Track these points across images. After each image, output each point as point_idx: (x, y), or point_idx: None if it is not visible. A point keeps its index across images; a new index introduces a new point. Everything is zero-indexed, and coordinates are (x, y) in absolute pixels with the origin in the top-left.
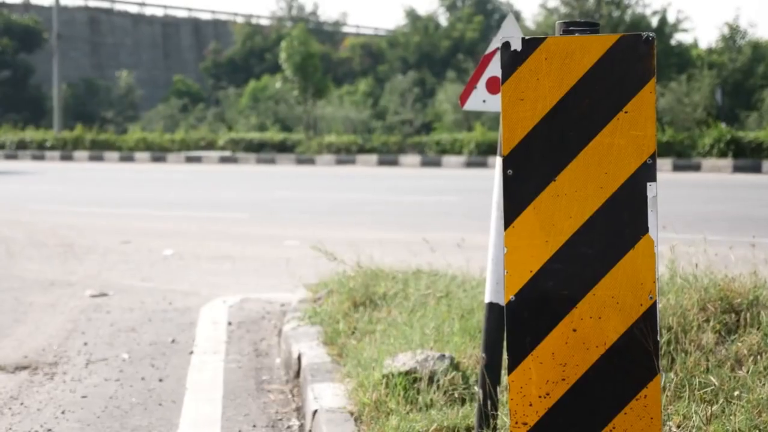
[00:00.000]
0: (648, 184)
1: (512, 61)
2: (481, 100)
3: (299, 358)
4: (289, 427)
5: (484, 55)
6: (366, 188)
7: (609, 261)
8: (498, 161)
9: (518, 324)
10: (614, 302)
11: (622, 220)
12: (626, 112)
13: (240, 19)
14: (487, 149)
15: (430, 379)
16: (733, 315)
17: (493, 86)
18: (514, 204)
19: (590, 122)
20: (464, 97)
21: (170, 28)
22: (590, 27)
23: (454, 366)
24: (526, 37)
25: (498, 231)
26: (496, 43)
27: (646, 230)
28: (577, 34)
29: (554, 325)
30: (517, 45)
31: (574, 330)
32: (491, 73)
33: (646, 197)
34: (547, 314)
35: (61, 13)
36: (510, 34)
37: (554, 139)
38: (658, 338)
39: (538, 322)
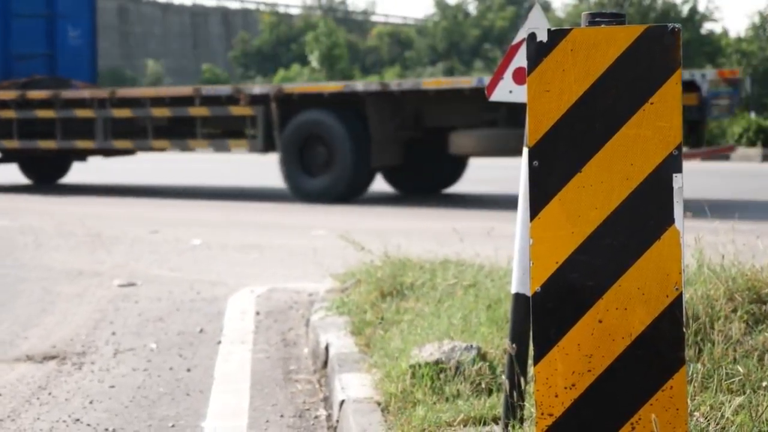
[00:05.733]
0: (674, 175)
1: (538, 52)
2: (508, 90)
3: (327, 348)
4: (316, 417)
5: (510, 46)
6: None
7: (635, 252)
8: (524, 152)
9: (544, 315)
10: (640, 293)
11: (648, 211)
12: (652, 104)
13: (268, 9)
14: None
15: (457, 370)
16: (761, 305)
17: (519, 77)
18: (539, 195)
19: (616, 114)
20: (491, 88)
21: (199, 17)
22: (616, 18)
23: (481, 356)
24: (552, 29)
25: (524, 222)
26: (522, 33)
27: (671, 221)
28: (603, 26)
29: (580, 316)
30: (542, 36)
31: (600, 321)
32: (518, 63)
33: (671, 188)
34: (573, 305)
35: None
36: (536, 25)
37: (580, 130)
38: (685, 329)
39: (563, 313)
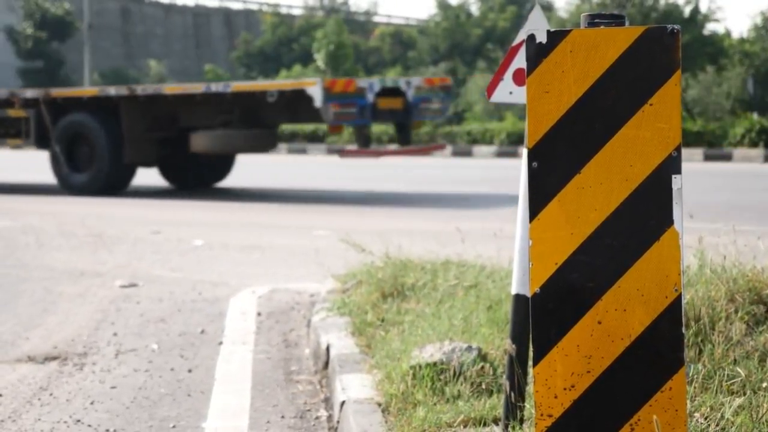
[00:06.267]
0: (673, 176)
1: (537, 53)
2: (508, 91)
3: (328, 349)
4: (317, 417)
5: (510, 47)
6: (396, 178)
7: (634, 253)
8: (524, 153)
9: (543, 316)
10: (639, 294)
11: (648, 213)
12: (651, 105)
13: (270, 9)
14: (517, 139)
15: (458, 371)
16: (762, 306)
17: (519, 78)
18: (539, 196)
19: (615, 115)
20: (491, 89)
21: (201, 18)
22: (615, 19)
23: (482, 357)
24: (552, 30)
25: (524, 222)
26: (522, 34)
27: (671, 222)
28: (602, 27)
29: (579, 317)
30: (542, 37)
31: (599, 322)
32: (518, 64)
33: (671, 189)
34: (573, 306)
35: (92, 2)
36: (536, 26)
37: (579, 131)
38: (686, 330)
39: (563, 314)
